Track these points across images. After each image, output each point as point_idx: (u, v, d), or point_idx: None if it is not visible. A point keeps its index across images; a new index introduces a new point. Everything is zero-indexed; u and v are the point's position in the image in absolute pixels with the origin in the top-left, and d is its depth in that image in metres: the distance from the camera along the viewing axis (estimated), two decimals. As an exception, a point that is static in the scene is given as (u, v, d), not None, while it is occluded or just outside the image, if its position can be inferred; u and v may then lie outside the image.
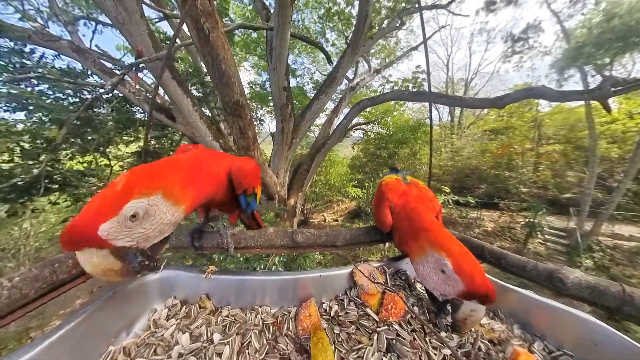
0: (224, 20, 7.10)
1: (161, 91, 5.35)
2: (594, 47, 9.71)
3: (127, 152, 7.60)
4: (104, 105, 6.59)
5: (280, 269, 4.09)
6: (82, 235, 0.55)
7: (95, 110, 6.60)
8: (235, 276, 1.02)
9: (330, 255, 9.73)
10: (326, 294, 1.03)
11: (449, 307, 0.83)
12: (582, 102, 12.09)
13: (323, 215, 17.81)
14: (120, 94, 6.08)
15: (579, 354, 0.78)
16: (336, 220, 16.60)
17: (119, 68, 5.72)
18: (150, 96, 5.55)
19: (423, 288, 1.11)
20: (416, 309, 0.97)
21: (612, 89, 4.88)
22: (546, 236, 11.42)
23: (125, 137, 7.14)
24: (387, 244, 1.48)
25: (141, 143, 7.29)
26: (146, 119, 7.00)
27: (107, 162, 7.29)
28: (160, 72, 1.49)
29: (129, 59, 8.14)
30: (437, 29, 14.75)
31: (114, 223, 0.57)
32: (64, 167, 6.42)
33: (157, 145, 7.64)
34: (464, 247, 0.82)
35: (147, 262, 0.68)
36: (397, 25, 9.02)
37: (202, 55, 2.80)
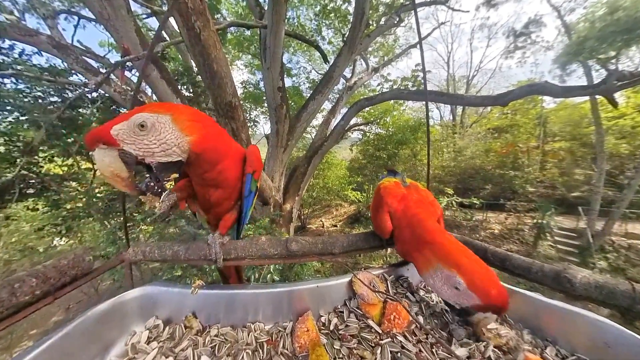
0: (215, 17, 7.11)
1: (149, 91, 5.32)
2: (597, 41, 9.82)
3: None
4: (88, 105, 6.47)
5: (275, 277, 4.06)
6: (98, 133, 0.72)
7: (78, 110, 6.47)
8: (225, 290, 1.00)
9: (329, 263, 9.67)
10: (324, 306, 1.01)
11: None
12: (587, 98, 12.21)
13: (321, 221, 17.78)
14: (105, 94, 5.97)
15: (593, 357, 0.77)
16: (335, 226, 16.56)
17: (104, 66, 5.66)
18: (139, 97, 5.50)
19: (428, 295, 1.11)
20: (421, 318, 0.96)
21: (618, 83, 4.95)
22: (556, 237, 11.40)
23: None
24: (388, 249, 1.48)
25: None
26: None
27: (90, 166, 7.15)
28: (144, 67, 1.47)
29: (115, 57, 8.09)
30: (437, 26, 14.99)
31: (124, 125, 0.74)
32: (42, 171, 6.30)
33: None
34: (472, 254, 0.83)
35: (152, 184, 0.82)
36: (395, 22, 9.13)
37: (192, 54, 2.79)
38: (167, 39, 6.83)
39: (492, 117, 19.96)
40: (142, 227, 6.49)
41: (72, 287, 0.95)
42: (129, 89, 5.58)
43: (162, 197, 0.91)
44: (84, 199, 6.62)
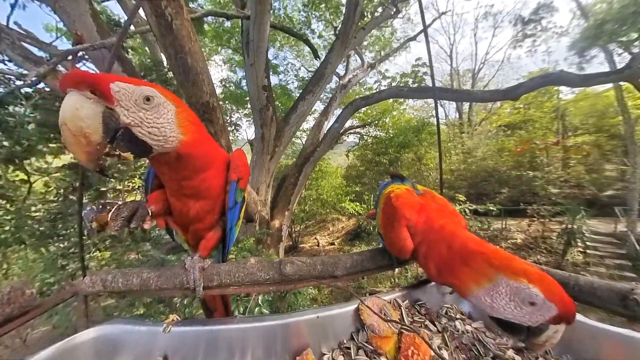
0: (190, 5, 7.14)
1: None
2: (617, 22, 10.03)
3: (56, 165, 6.85)
4: (22, 102, 5.89)
5: (264, 310, 3.94)
6: (92, 77, 0.71)
7: (6, 108, 6.14)
8: (205, 326, 0.96)
9: (328, 289, 9.52)
10: (327, 341, 0.98)
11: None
12: (610, 85, 12.43)
13: (316, 239, 17.64)
14: (48, 88, 5.57)
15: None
16: (332, 244, 16.44)
17: (50, 55, 5.46)
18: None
19: (452, 323, 1.07)
20: (445, 352, 0.91)
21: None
22: (590, 243, 11.16)
23: (53, 145, 6.42)
24: (396, 269, 1.45)
25: None
26: None
27: (25, 177, 6.56)
28: (109, 65, 1.43)
29: (65, 45, 7.90)
30: (438, 16, 15.48)
31: (129, 88, 0.76)
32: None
33: None
34: (530, 263, 0.82)
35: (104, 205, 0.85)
36: (392, 13, 9.39)
37: (163, 46, 2.76)
38: (132, 27, 6.72)
39: (502, 112, 20.46)
40: (95, 253, 6.16)
41: (2, 331, 0.87)
42: None
43: (110, 213, 0.87)
44: (13, 222, 6.01)
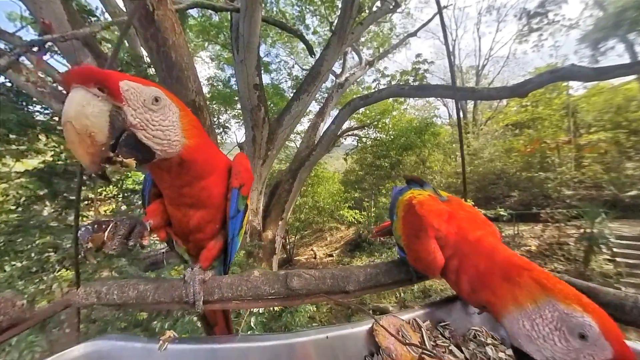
0: None
1: None
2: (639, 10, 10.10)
3: (19, 170, 6.55)
4: None
5: (257, 334, 3.87)
6: (102, 74, 0.73)
7: None
8: (203, 345, 0.97)
9: (327, 305, 9.39)
10: None
11: None
12: (629, 78, 12.48)
13: (312, 250, 17.51)
14: (9, 83, 5.45)
15: None
16: (330, 256, 16.32)
17: (12, 46, 5.34)
18: (62, 89, 5.16)
19: (480, 349, 1.01)
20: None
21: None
22: (617, 250, 10.83)
23: (15, 147, 6.25)
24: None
25: (45, 157, 6.62)
26: (52, 120, 6.40)
27: None
28: (110, 64, 1.42)
29: (31, 35, 7.78)
30: (438, 10, 15.68)
31: (139, 87, 0.79)
32: None
33: (71, 159, 6.93)
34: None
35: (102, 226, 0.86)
36: (391, 7, 9.52)
37: (143, 39, 2.72)
38: (109, 17, 6.64)
39: (509, 111, 20.72)
40: (60, 272, 5.85)
41: None
42: (49, 79, 5.30)
43: (107, 232, 0.88)
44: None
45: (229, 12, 5.89)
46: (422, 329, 1.02)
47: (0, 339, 0.93)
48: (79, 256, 1.48)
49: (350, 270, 1.24)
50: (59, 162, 6.48)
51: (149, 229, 1.00)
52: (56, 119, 6.42)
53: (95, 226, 0.89)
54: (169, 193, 1.07)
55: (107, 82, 0.72)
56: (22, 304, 1.00)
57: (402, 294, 9.90)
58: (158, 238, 1.17)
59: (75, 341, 0.95)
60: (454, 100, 5.07)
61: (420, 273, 1.18)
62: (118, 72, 0.79)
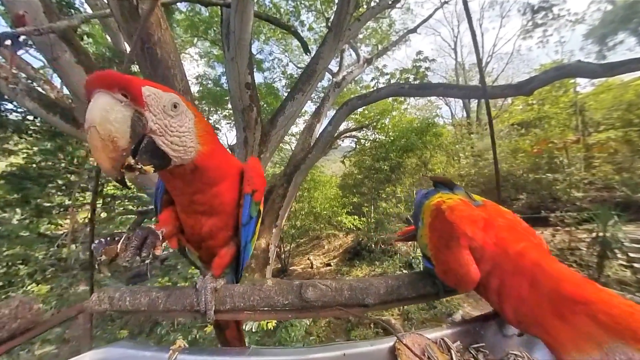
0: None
1: (58, 82, 4.96)
2: None
3: None
4: None
5: (269, 347, 3.84)
6: (126, 79, 0.78)
7: None
8: (214, 357, 0.99)
9: (325, 320, 9.26)
10: None
11: None
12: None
13: (309, 259, 17.40)
14: None
15: None
16: (328, 265, 16.22)
17: None
18: (36, 85, 5.03)
19: None
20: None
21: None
22: (632, 255, 10.60)
23: None
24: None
25: (14, 159, 6.46)
26: (26, 119, 6.29)
27: None
28: (127, 65, 1.45)
29: (2, 27, 7.70)
30: (439, 5, 15.89)
31: (159, 93, 0.86)
32: None
33: (46, 162, 6.85)
34: None
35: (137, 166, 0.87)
36: (390, 2, 9.57)
37: (126, 34, 2.70)
38: (89, 10, 6.56)
39: (514, 110, 20.89)
40: (31, 286, 5.66)
41: (6, 347, 0.96)
42: (24, 75, 5.21)
43: (120, 244, 0.93)
44: None
45: (219, 7, 5.88)
46: (452, 351, 0.97)
47: (15, 342, 0.98)
48: (94, 267, 1.60)
49: (370, 281, 1.22)
50: (33, 165, 6.39)
51: (161, 239, 1.04)
52: (30, 118, 6.36)
53: (108, 239, 0.94)
54: (181, 200, 1.12)
55: (130, 87, 0.78)
56: (39, 308, 1.07)
57: (404, 306, 9.85)
58: (170, 246, 1.22)
59: (88, 347, 1.01)
60: (455, 100, 5.08)
61: (448, 287, 1.13)
62: (138, 77, 0.84)
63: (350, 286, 1.17)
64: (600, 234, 11.04)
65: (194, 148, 0.94)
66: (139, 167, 0.85)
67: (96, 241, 0.93)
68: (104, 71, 0.77)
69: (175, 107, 0.88)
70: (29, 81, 5.21)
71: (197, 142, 0.95)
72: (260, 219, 1.34)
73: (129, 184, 0.96)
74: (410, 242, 13.73)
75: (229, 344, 1.62)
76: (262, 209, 1.34)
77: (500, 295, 0.88)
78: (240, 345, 1.70)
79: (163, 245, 1.10)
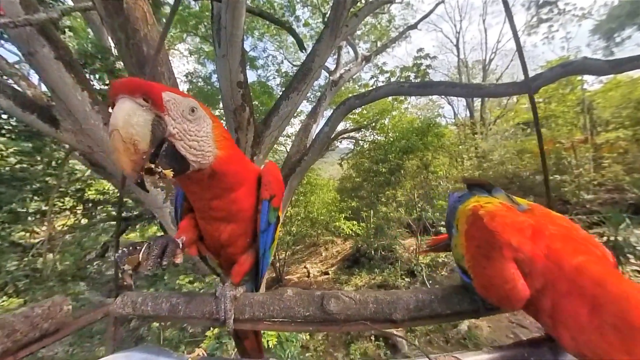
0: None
1: (35, 78, 4.88)
2: None
3: None
4: None
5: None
6: (148, 85, 0.86)
7: None
8: None
9: (322, 334, 9.14)
10: None
11: None
12: None
13: (305, 267, 17.31)
14: None
15: None
16: (326, 274, 16.14)
17: None
18: (11, 82, 4.94)
19: None
20: None
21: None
22: None
23: None
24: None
25: None
26: None
27: None
28: (155, 67, 1.49)
29: None
30: (441, 0, 15.98)
31: (178, 98, 0.93)
32: None
33: (21, 164, 6.65)
34: None
35: (158, 172, 0.94)
36: (389, -4, 9.59)
37: (111, 29, 2.66)
38: (70, 2, 6.45)
39: (519, 108, 20.99)
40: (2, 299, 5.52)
41: (38, 346, 1.03)
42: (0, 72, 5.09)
43: (141, 253, 1.00)
44: None
45: (209, 1, 5.85)
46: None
47: (43, 343, 1.04)
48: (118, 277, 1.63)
49: (397, 295, 1.19)
50: (6, 168, 6.26)
51: (181, 247, 1.11)
52: (4, 116, 6.25)
53: (130, 248, 1.02)
54: (199, 206, 1.17)
55: (151, 92, 0.85)
56: (68, 310, 1.13)
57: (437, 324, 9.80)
58: (190, 254, 1.25)
59: (110, 350, 1.09)
60: (458, 99, 5.07)
61: (489, 304, 1.04)
62: (160, 83, 0.91)
63: (375, 299, 1.15)
64: (612, 237, 11.08)
65: (211, 153, 1.00)
66: (159, 170, 0.92)
67: (119, 251, 1.01)
68: (128, 78, 0.84)
69: (192, 111, 0.95)
70: (3, 77, 5.12)
71: (215, 147, 1.01)
72: (279, 226, 1.38)
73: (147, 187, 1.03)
74: (411, 249, 13.71)
75: (248, 354, 1.65)
76: (280, 215, 1.37)
77: (555, 319, 0.79)
78: (259, 356, 1.73)
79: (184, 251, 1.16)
